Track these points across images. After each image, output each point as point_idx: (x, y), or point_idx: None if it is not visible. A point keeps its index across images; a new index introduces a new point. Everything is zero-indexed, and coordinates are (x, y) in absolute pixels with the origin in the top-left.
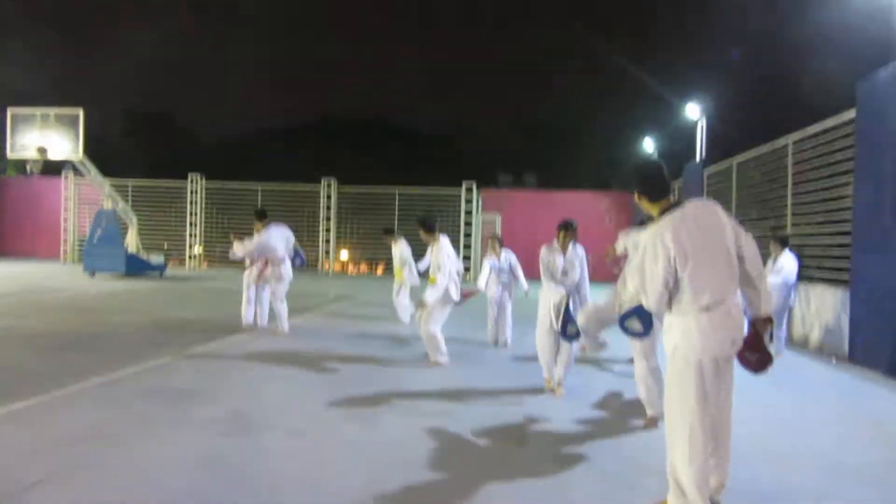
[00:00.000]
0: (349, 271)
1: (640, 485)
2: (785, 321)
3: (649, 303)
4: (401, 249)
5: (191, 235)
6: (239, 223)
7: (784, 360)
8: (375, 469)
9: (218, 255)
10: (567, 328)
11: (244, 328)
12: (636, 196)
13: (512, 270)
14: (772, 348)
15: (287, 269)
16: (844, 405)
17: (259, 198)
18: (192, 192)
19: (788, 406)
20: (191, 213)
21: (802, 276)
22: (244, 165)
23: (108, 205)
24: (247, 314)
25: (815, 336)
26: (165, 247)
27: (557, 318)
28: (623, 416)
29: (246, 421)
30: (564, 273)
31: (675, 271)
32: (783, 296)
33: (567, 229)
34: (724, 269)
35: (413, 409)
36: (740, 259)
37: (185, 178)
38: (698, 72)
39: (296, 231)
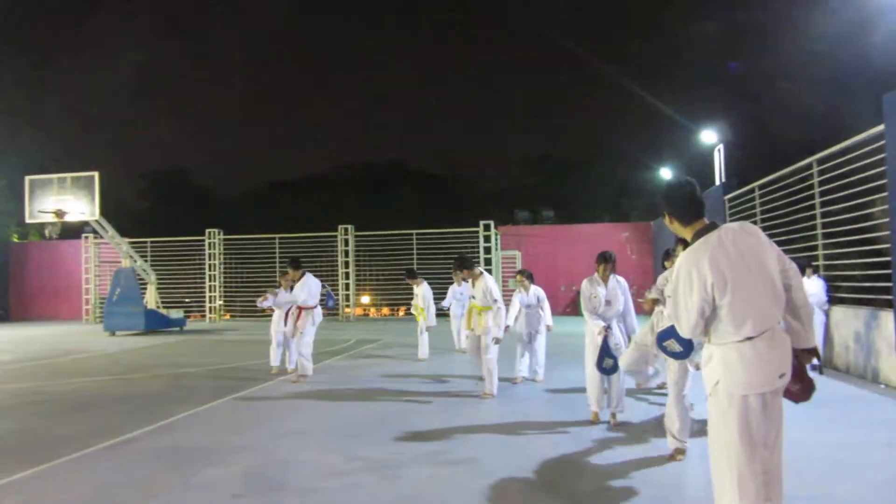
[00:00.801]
0: (371, 315)
1: None
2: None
3: (683, 332)
4: (423, 290)
5: (210, 289)
6: (259, 274)
7: (830, 387)
8: None
9: (238, 307)
10: (603, 362)
11: (272, 371)
12: (667, 219)
13: (539, 305)
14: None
15: (318, 313)
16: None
17: (277, 248)
18: (210, 247)
19: (843, 439)
20: (209, 268)
21: (838, 300)
22: (260, 218)
23: (126, 263)
24: (275, 357)
25: (859, 362)
26: (187, 300)
27: (595, 351)
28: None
29: (258, 480)
30: (608, 303)
31: (714, 299)
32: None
33: (606, 261)
34: (768, 296)
35: (436, 456)
36: (786, 287)
37: (203, 233)
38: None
39: (317, 276)
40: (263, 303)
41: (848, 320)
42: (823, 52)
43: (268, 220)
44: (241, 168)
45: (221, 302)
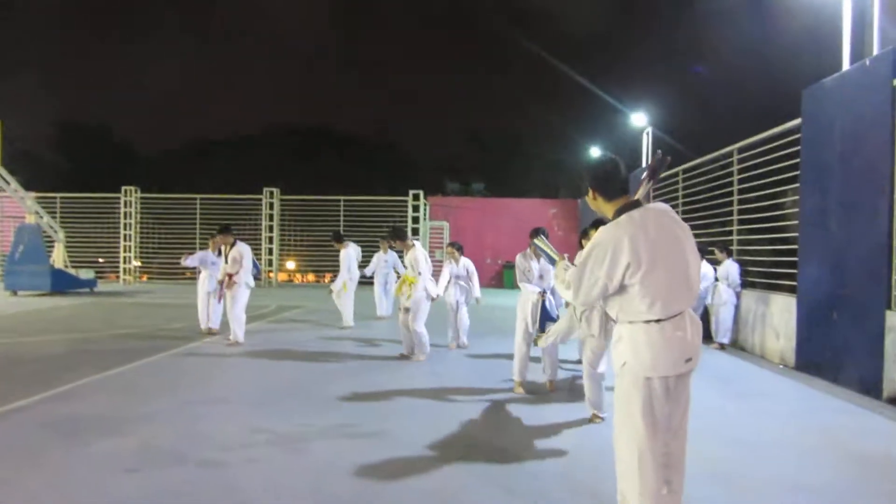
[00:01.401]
0: (296, 281)
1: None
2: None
3: (576, 298)
4: (346, 253)
5: (125, 250)
6: (178, 236)
7: (733, 364)
8: None
9: (156, 268)
10: (545, 325)
11: (202, 332)
12: (590, 195)
13: (469, 276)
14: None
15: (251, 279)
16: (795, 414)
17: (198, 208)
18: (126, 205)
19: (741, 415)
20: (125, 227)
21: (749, 283)
22: (180, 178)
23: (31, 219)
24: (202, 319)
25: (764, 343)
26: (100, 261)
27: (535, 315)
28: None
29: (155, 453)
30: (541, 277)
31: (623, 278)
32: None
33: (537, 235)
34: (681, 281)
35: (346, 430)
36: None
37: (119, 190)
38: (646, 82)
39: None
40: (186, 261)
41: (756, 303)
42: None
43: (188, 179)
44: (162, 124)
45: (137, 263)
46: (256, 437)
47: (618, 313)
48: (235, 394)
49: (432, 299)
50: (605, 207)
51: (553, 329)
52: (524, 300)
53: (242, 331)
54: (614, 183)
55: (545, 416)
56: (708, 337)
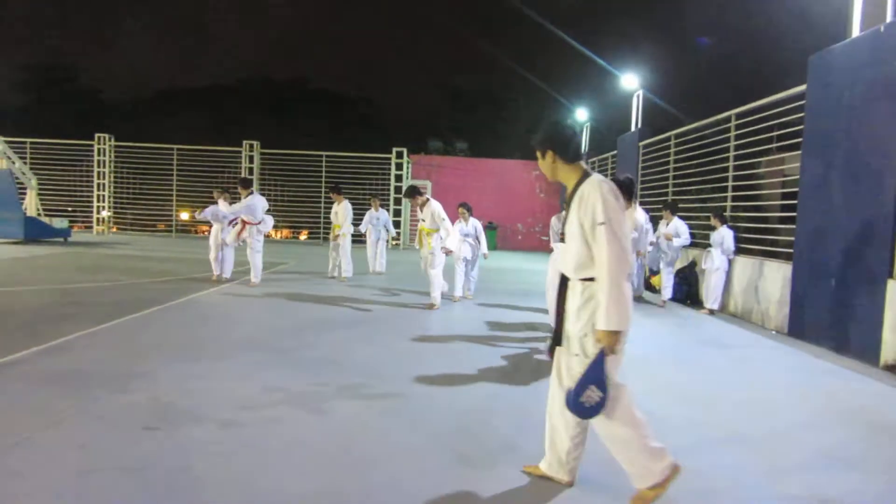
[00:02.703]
0: (272, 236)
1: None
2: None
3: (629, 258)
4: (343, 208)
5: (98, 199)
6: (153, 187)
7: (727, 330)
8: (321, 471)
9: (129, 219)
10: None
11: (213, 279)
12: (548, 157)
13: (477, 235)
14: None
15: (266, 224)
16: (796, 378)
17: (175, 159)
18: (99, 153)
19: (742, 380)
20: (98, 176)
21: (743, 250)
22: (155, 127)
23: (2, 164)
24: (215, 268)
25: (756, 309)
26: (70, 210)
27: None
28: None
29: (170, 411)
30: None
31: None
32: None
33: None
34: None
35: (363, 389)
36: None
37: (91, 138)
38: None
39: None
40: (199, 214)
41: (749, 269)
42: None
43: (163, 129)
44: (135, 72)
45: (110, 213)
46: (272, 396)
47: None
48: (236, 350)
49: (447, 253)
50: (563, 169)
51: None
52: (556, 259)
53: (259, 274)
54: (576, 146)
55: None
56: (698, 302)
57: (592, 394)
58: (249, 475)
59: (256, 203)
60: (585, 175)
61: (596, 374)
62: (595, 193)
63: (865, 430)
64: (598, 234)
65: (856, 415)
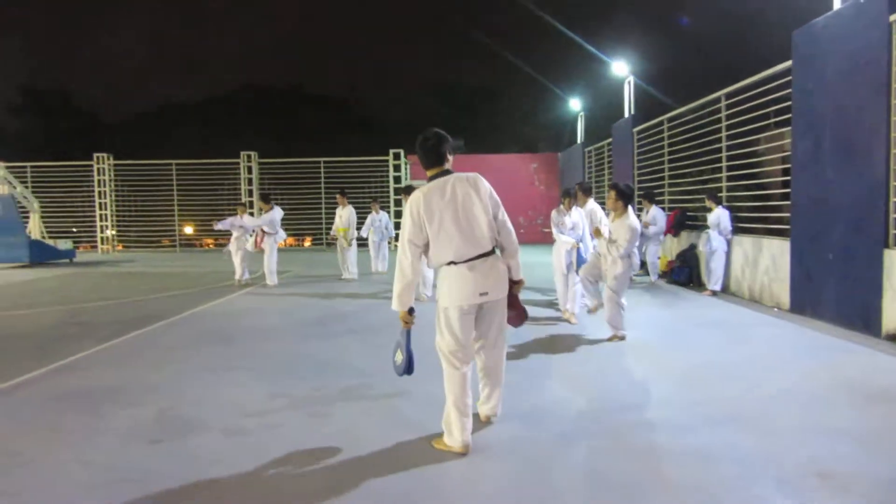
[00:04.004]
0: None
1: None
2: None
3: (402, 247)
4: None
5: (101, 218)
6: (155, 203)
7: (729, 310)
8: (326, 473)
9: (133, 237)
10: (580, 267)
11: (237, 283)
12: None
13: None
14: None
15: (280, 235)
16: (799, 355)
17: (174, 174)
18: (99, 172)
19: (746, 359)
20: (99, 195)
21: (742, 229)
22: (153, 143)
23: (4, 190)
24: (238, 272)
25: (757, 287)
26: (75, 230)
27: (573, 259)
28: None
29: (176, 422)
30: (572, 228)
31: (425, 230)
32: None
33: (567, 195)
34: (467, 234)
35: (364, 391)
36: (498, 231)
37: (90, 158)
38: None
39: (217, 206)
40: (217, 225)
41: (748, 248)
42: None
43: (161, 144)
44: (128, 89)
45: (114, 232)
46: (276, 402)
47: (428, 261)
48: (240, 360)
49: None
50: (427, 173)
51: (583, 269)
52: (559, 248)
53: (275, 278)
54: (430, 155)
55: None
56: (701, 284)
57: (397, 357)
58: (253, 480)
59: (276, 216)
60: (430, 179)
61: (400, 341)
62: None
63: (865, 401)
64: None
65: (855, 387)
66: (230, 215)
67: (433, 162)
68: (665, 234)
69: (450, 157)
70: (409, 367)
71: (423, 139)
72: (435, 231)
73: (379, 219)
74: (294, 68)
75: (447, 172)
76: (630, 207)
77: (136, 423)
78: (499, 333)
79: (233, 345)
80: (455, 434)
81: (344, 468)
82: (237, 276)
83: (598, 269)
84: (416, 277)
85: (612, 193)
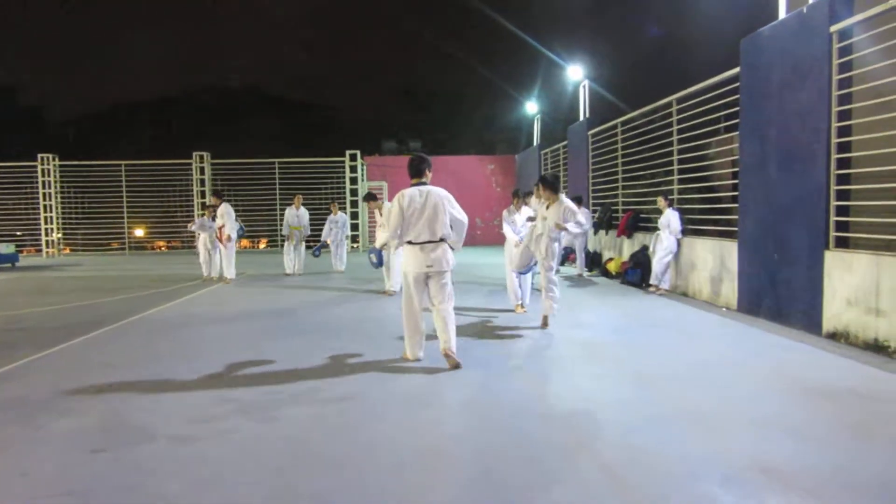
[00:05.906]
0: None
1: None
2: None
3: (389, 234)
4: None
5: (46, 221)
6: (103, 205)
7: (678, 310)
8: (276, 475)
9: (81, 240)
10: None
11: (202, 279)
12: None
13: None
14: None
15: (233, 232)
16: (746, 354)
17: (123, 176)
18: (43, 174)
19: (693, 357)
20: (44, 197)
21: (692, 231)
22: (101, 144)
23: None
24: (205, 270)
25: (706, 287)
26: (18, 234)
27: (510, 259)
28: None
29: (120, 430)
30: (523, 226)
31: (404, 219)
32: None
33: (516, 195)
34: (428, 225)
35: (313, 394)
36: (451, 225)
37: (34, 159)
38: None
39: (169, 207)
40: (191, 226)
41: (698, 249)
42: None
43: (110, 145)
44: (75, 88)
45: (60, 235)
46: (223, 407)
47: (401, 240)
48: (188, 364)
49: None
50: (411, 181)
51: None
52: (509, 244)
53: (233, 272)
54: (412, 169)
55: (518, 342)
56: (649, 284)
57: (372, 258)
58: (201, 488)
59: (231, 211)
60: (412, 186)
61: (374, 250)
62: None
63: (805, 398)
64: None
65: (797, 384)
66: (184, 218)
67: (416, 174)
68: (618, 235)
69: (428, 174)
70: (379, 262)
71: (411, 159)
72: (408, 216)
73: (336, 220)
74: (248, 67)
75: (424, 183)
76: (561, 195)
77: (78, 431)
78: (444, 295)
79: (181, 350)
80: (407, 348)
81: (293, 474)
82: (204, 273)
83: (528, 258)
84: (393, 237)
85: (541, 185)
